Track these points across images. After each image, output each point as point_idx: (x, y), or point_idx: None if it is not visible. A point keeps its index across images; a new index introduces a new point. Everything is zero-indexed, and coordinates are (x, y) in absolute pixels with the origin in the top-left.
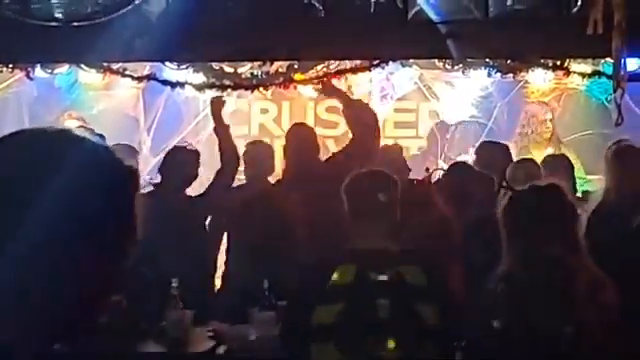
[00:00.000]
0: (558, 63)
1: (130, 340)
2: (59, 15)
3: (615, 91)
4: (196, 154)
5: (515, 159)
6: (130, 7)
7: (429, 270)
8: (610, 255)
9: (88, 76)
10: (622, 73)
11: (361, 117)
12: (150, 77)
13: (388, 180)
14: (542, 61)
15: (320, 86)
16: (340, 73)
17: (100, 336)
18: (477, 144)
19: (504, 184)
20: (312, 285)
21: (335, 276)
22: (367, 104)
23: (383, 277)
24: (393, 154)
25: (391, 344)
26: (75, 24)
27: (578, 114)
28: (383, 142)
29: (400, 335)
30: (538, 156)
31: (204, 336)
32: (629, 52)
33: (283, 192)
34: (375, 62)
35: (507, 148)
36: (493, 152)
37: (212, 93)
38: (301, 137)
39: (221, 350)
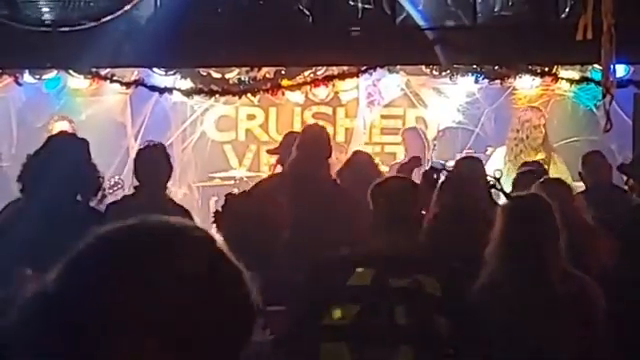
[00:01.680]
0: (546, 69)
1: None
2: (48, 21)
3: (604, 97)
4: (163, 148)
5: (511, 164)
6: (119, 13)
7: (444, 282)
8: None
9: (76, 82)
10: (611, 79)
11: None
12: (138, 83)
13: (413, 187)
14: (530, 67)
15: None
16: (327, 79)
17: None
18: (456, 158)
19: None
20: (328, 285)
21: (354, 277)
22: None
23: (402, 283)
24: (363, 161)
25: (405, 350)
26: (64, 29)
27: (565, 120)
28: (369, 148)
29: (415, 343)
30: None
31: None
32: (617, 58)
33: (269, 193)
34: (363, 68)
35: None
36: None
37: (200, 99)
38: (316, 138)
39: None
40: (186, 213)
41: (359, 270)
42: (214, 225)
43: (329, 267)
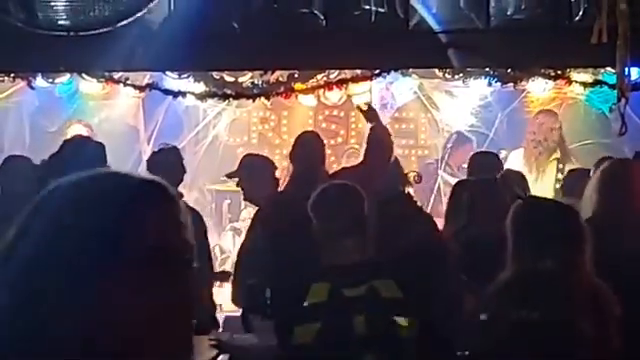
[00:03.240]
0: (559, 72)
1: None
2: (64, 24)
3: (619, 100)
4: (177, 151)
5: (532, 167)
6: (133, 18)
7: (404, 283)
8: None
9: (89, 86)
10: (626, 82)
11: (382, 142)
12: (151, 86)
13: (355, 193)
14: (543, 70)
15: (366, 109)
16: (340, 82)
17: None
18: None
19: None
20: (288, 306)
21: (310, 295)
22: (388, 132)
23: (357, 292)
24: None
25: (369, 359)
26: (80, 33)
27: (578, 124)
28: None
29: (378, 350)
30: (545, 164)
31: (205, 345)
32: (632, 62)
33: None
34: (375, 72)
35: (499, 157)
36: (487, 162)
37: (212, 102)
38: (309, 145)
39: None
40: (197, 215)
41: (316, 286)
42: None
43: (286, 289)
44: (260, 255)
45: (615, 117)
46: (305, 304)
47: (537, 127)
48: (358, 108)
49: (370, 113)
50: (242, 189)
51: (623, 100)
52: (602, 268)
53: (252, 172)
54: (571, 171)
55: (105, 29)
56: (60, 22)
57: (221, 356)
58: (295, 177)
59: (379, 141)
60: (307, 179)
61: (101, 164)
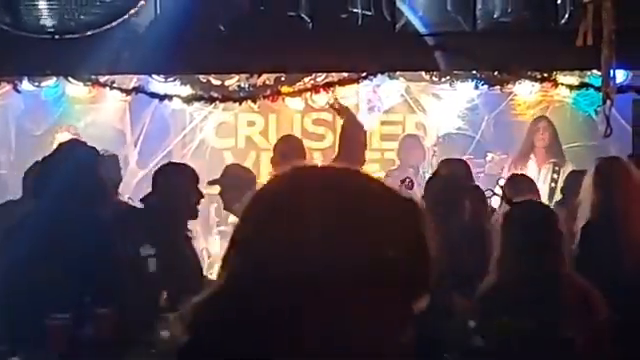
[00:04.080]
0: (545, 75)
1: (120, 353)
2: (49, 28)
3: (604, 103)
4: (115, 158)
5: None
6: (119, 21)
7: None
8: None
9: (75, 89)
10: (611, 85)
11: (354, 137)
12: (138, 90)
13: None
14: (529, 73)
15: (337, 107)
16: (327, 85)
17: (90, 350)
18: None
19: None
20: None
21: None
22: (361, 126)
23: None
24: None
25: None
26: (65, 37)
27: (564, 126)
28: (368, 155)
29: None
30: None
31: None
32: (617, 64)
33: None
34: (362, 74)
35: (467, 164)
36: (454, 168)
37: (199, 105)
38: (289, 148)
39: None
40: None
41: None
42: None
43: None
44: None
45: (601, 119)
46: None
47: (527, 134)
48: (330, 106)
49: (341, 110)
50: (222, 199)
51: (608, 102)
52: (602, 267)
53: (234, 183)
54: (572, 173)
55: (91, 32)
56: (46, 25)
57: None
58: None
59: (352, 135)
60: None
61: (92, 169)
